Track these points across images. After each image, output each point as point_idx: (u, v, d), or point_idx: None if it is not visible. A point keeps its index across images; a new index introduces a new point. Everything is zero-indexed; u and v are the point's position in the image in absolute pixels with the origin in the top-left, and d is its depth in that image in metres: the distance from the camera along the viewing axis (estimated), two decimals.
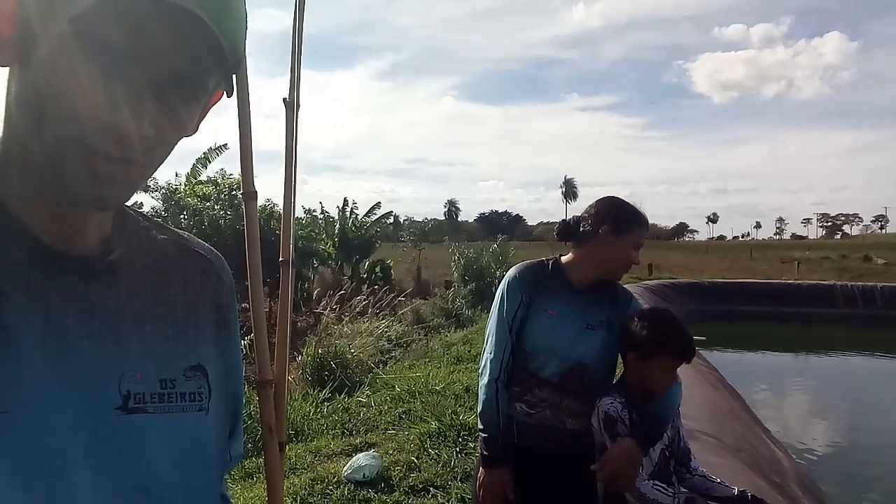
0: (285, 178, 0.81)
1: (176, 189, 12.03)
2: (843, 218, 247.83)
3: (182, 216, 11.60)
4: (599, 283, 2.13)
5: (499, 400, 2.09)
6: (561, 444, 2.04)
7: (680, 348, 1.97)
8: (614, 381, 2.15)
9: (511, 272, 2.17)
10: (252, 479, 4.21)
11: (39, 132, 0.56)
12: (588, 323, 2.07)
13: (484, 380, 2.13)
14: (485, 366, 2.14)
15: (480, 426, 2.12)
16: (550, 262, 2.18)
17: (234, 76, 0.66)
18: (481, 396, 2.13)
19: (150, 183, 11.83)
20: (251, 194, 0.82)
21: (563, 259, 2.18)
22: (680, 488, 2.01)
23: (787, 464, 5.09)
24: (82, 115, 0.54)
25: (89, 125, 0.54)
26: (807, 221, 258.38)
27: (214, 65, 0.61)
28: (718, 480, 2.09)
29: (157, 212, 11.88)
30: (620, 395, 1.98)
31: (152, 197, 12.09)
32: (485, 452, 2.10)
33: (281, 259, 0.81)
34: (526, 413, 2.07)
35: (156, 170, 0.62)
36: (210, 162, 12.52)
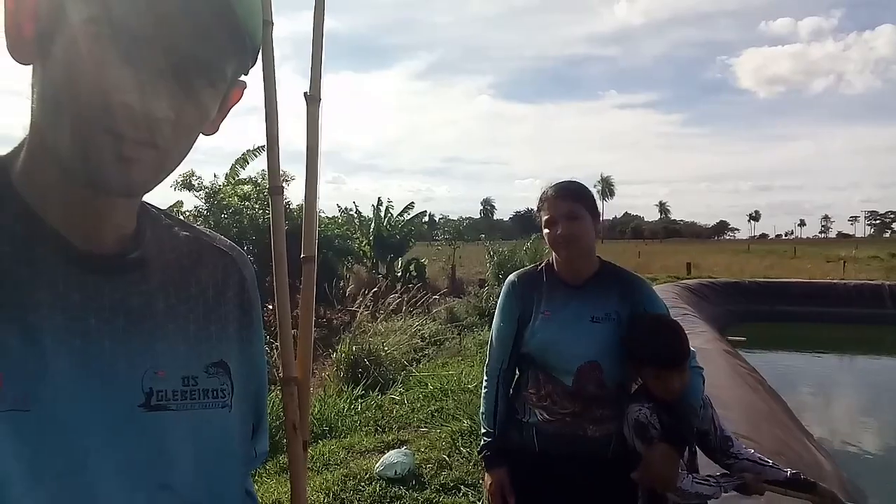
0: (307, 173, 0.81)
1: (219, 189, 12.26)
2: (892, 215, 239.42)
3: (223, 215, 11.81)
4: (601, 274, 2.07)
5: (497, 403, 2.10)
6: (583, 452, 1.97)
7: (659, 356, 1.91)
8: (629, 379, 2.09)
9: (509, 279, 2.17)
10: (287, 473, 4.26)
11: (63, 122, 0.56)
12: (592, 316, 1.99)
13: (484, 384, 2.16)
14: (486, 372, 2.17)
15: (483, 429, 2.14)
16: (543, 265, 2.15)
17: (254, 63, 0.66)
18: (482, 400, 2.16)
19: (195, 182, 12.09)
20: (277, 189, 0.82)
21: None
22: (725, 476, 1.95)
23: (830, 469, 4.92)
24: (104, 99, 0.54)
25: (112, 109, 0.54)
26: (854, 219, 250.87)
27: (233, 50, 0.61)
28: (770, 463, 1.99)
29: (199, 210, 12.11)
30: (646, 400, 1.94)
31: (195, 196, 12.34)
32: (487, 453, 2.10)
33: (303, 255, 0.81)
34: (546, 420, 2.00)
35: (181, 159, 0.62)
36: (248, 163, 12.73)
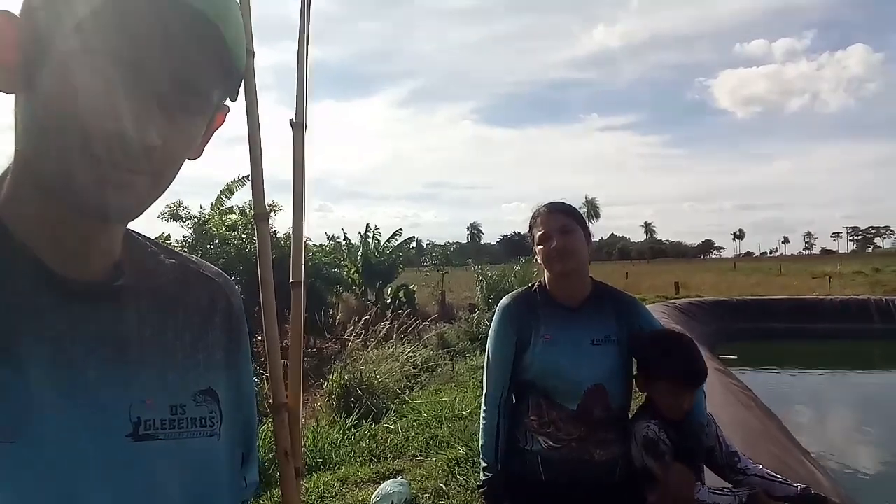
0: (294, 199, 0.81)
1: (207, 219, 12.23)
2: (873, 231, 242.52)
3: (210, 245, 11.77)
4: (595, 295, 2.05)
5: (499, 434, 2.02)
6: (590, 478, 1.93)
7: (677, 373, 1.91)
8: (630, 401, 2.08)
9: (502, 302, 2.11)
10: None
11: (48, 149, 0.56)
12: (592, 338, 1.96)
13: (483, 415, 2.07)
14: (484, 401, 2.08)
15: (482, 462, 2.05)
16: (536, 286, 2.11)
17: (238, 89, 0.66)
18: (480, 431, 2.08)
19: (182, 213, 12.06)
20: (262, 216, 0.81)
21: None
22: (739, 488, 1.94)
23: (828, 485, 4.90)
24: (90, 126, 0.54)
25: (97, 135, 0.54)
26: (836, 235, 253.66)
27: (219, 75, 0.61)
28: (780, 478, 1.97)
29: (186, 240, 12.06)
30: (652, 417, 1.93)
31: (181, 226, 12.30)
32: (487, 489, 2.02)
33: (292, 280, 0.80)
34: (551, 447, 1.94)
35: (167, 185, 0.62)
36: (233, 193, 12.73)
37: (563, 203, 2.09)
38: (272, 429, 0.79)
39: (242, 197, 12.96)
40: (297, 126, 0.82)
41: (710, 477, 2.04)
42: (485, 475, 2.04)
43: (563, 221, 2.00)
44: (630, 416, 2.04)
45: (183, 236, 12.21)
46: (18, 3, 0.60)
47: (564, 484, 1.94)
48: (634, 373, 2.05)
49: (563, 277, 2.02)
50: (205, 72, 0.59)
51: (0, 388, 0.54)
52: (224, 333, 0.74)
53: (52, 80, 0.55)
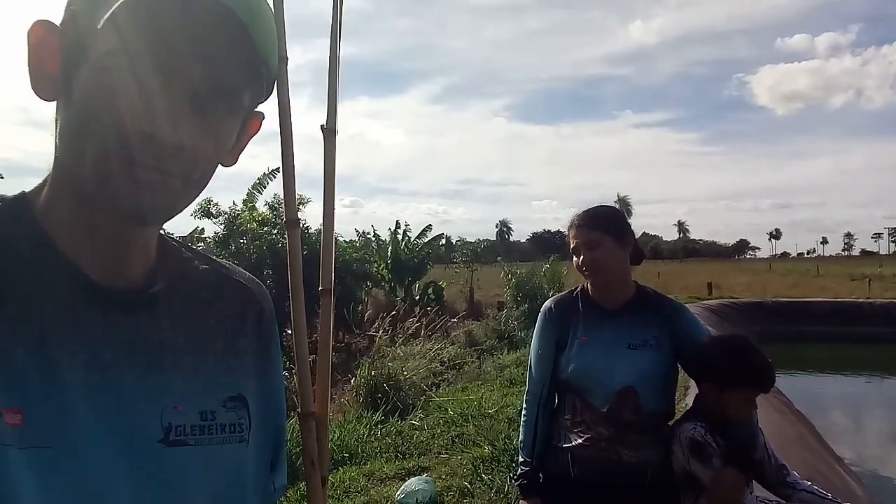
0: (324, 207, 0.81)
1: (238, 215, 12.38)
2: None
3: (242, 240, 11.91)
4: (638, 299, 2.07)
5: (536, 431, 2.10)
6: (617, 478, 1.95)
7: (758, 379, 1.88)
8: (672, 406, 2.06)
9: (545, 305, 2.19)
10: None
11: (84, 152, 0.57)
12: (629, 342, 1.98)
13: (523, 412, 2.17)
14: (525, 399, 2.17)
15: (520, 457, 2.15)
16: (577, 290, 2.17)
17: (270, 93, 0.67)
18: (521, 427, 2.17)
19: (213, 209, 12.23)
20: (294, 222, 0.81)
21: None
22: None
23: (862, 494, 4.78)
24: (124, 128, 0.55)
25: (131, 137, 0.55)
26: (877, 236, 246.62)
27: (250, 78, 0.62)
28: (829, 496, 1.93)
29: (218, 236, 12.23)
30: (700, 421, 1.90)
31: (213, 223, 12.47)
32: (524, 481, 2.10)
33: (321, 288, 0.80)
34: (581, 445, 1.99)
35: (201, 188, 0.62)
36: (265, 187, 12.85)
37: (594, 212, 2.09)
38: (297, 430, 0.80)
39: (273, 189, 13.07)
40: (329, 132, 0.82)
41: (758, 490, 2.00)
42: (521, 469, 2.13)
43: (589, 235, 2.03)
44: (679, 418, 2.02)
45: (215, 232, 12.38)
46: (58, 10, 0.61)
47: (593, 482, 1.97)
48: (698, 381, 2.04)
49: (597, 287, 2.09)
50: (236, 73, 0.60)
51: (35, 393, 0.56)
52: (255, 340, 0.75)
53: (87, 84, 0.56)
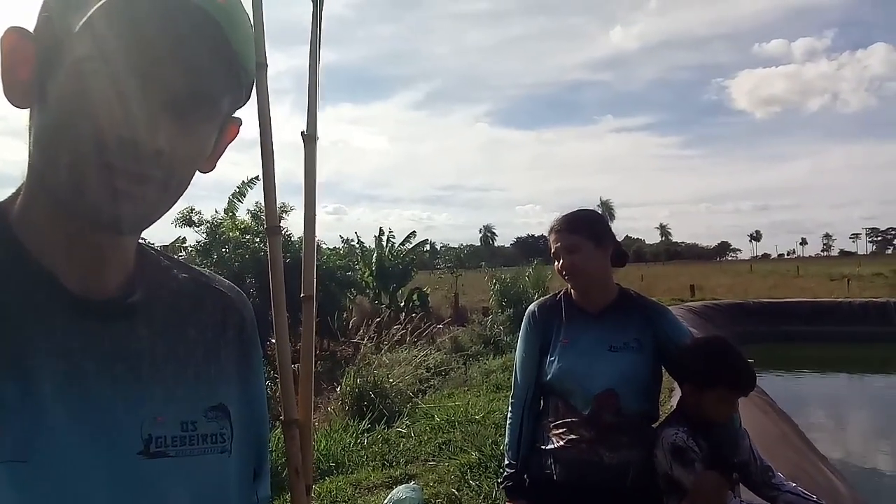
0: (305, 214, 0.80)
1: (220, 223, 12.30)
2: (893, 232, 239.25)
3: (224, 249, 11.83)
4: (620, 302, 2.09)
5: (521, 433, 2.13)
6: (598, 479, 1.96)
7: (736, 381, 1.90)
8: (656, 407, 2.08)
9: (529, 309, 2.22)
10: None
11: (60, 159, 0.56)
12: (610, 345, 2.01)
13: (509, 415, 2.20)
14: (511, 403, 2.20)
15: (506, 459, 2.17)
16: (561, 294, 2.19)
17: (248, 98, 0.66)
18: (506, 430, 2.20)
19: (195, 218, 12.14)
20: (275, 229, 0.81)
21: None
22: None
23: (846, 492, 4.83)
24: (100, 134, 0.54)
25: (108, 143, 0.54)
26: (855, 237, 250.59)
27: (229, 83, 0.61)
28: (815, 498, 1.95)
29: (200, 245, 12.13)
30: (682, 424, 1.91)
31: (196, 231, 12.38)
32: (509, 484, 2.12)
33: (303, 295, 0.80)
34: (563, 447, 2.01)
35: (178, 194, 0.61)
36: (245, 195, 12.79)
37: (574, 216, 2.12)
38: (281, 439, 0.79)
39: (253, 198, 13.01)
40: (309, 138, 0.82)
41: (743, 493, 2.01)
42: (507, 471, 2.14)
43: (568, 240, 2.05)
44: (662, 421, 2.03)
45: (197, 241, 12.29)
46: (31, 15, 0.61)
47: (575, 484, 1.99)
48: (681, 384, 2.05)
49: (577, 290, 2.12)
50: (214, 77, 0.59)
51: (12, 406, 0.54)
52: (236, 349, 0.74)
53: (63, 89, 0.55)
